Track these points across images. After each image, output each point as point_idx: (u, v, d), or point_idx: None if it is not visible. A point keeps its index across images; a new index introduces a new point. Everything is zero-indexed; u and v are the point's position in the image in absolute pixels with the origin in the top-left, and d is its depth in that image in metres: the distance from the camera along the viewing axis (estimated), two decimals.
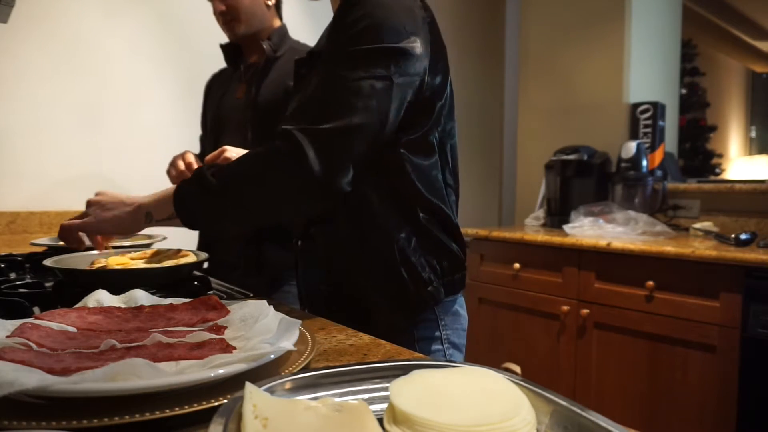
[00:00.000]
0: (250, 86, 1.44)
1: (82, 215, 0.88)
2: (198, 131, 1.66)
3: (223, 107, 1.50)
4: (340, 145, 0.73)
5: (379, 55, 0.76)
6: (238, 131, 1.43)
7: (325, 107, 0.74)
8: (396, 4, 0.80)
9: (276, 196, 0.75)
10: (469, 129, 3.43)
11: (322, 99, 0.75)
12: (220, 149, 1.04)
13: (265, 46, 1.43)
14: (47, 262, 0.90)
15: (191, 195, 0.78)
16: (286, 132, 0.73)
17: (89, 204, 0.87)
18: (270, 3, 1.49)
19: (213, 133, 1.51)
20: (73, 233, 0.87)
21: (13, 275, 1.02)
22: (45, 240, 1.31)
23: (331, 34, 0.85)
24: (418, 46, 0.79)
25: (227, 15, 1.42)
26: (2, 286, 0.84)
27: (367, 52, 0.76)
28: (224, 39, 1.54)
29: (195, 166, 1.19)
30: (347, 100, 0.73)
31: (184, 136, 1.65)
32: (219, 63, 1.61)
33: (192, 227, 0.80)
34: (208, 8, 1.48)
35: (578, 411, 0.38)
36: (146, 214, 0.82)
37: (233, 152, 1.04)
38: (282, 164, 0.73)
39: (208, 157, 1.04)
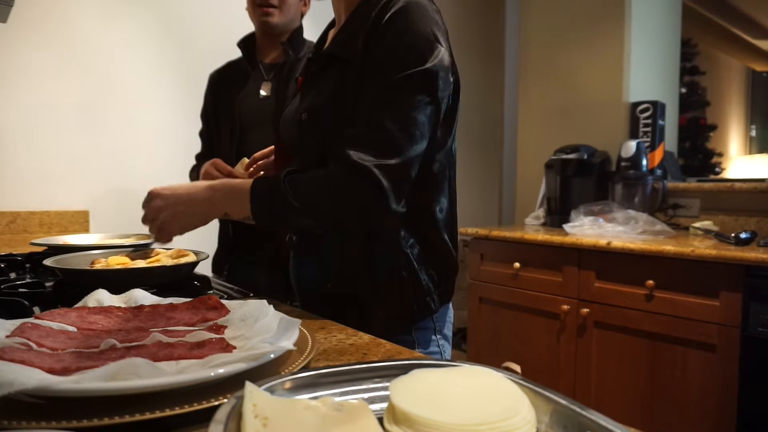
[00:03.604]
0: (277, 87, 1.45)
1: (150, 220, 0.88)
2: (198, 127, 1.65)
3: (246, 106, 1.48)
4: (407, 177, 0.82)
5: (425, 77, 0.81)
6: (270, 130, 1.41)
7: (390, 140, 0.79)
8: (428, 17, 0.84)
9: (350, 220, 0.83)
10: (469, 129, 3.43)
11: (390, 131, 0.79)
12: (269, 148, 1.10)
13: (289, 51, 1.45)
14: (47, 262, 0.91)
15: (269, 207, 0.82)
16: (361, 166, 0.78)
17: (156, 209, 0.86)
18: (305, 9, 1.53)
19: (234, 131, 1.49)
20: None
21: (13, 275, 1.02)
22: (45, 240, 1.31)
23: (370, 51, 0.84)
24: (447, 57, 0.84)
25: (272, 1, 1.43)
26: (2, 286, 0.84)
27: (413, 76, 0.80)
28: (224, 38, 1.54)
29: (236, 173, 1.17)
30: (408, 133, 0.80)
31: (185, 136, 1.65)
32: (219, 62, 1.60)
33: (260, 227, 0.86)
34: (208, 8, 1.48)
35: (578, 410, 0.38)
36: (224, 214, 0.87)
37: None
38: (362, 196, 0.79)
39: (258, 154, 1.10)
